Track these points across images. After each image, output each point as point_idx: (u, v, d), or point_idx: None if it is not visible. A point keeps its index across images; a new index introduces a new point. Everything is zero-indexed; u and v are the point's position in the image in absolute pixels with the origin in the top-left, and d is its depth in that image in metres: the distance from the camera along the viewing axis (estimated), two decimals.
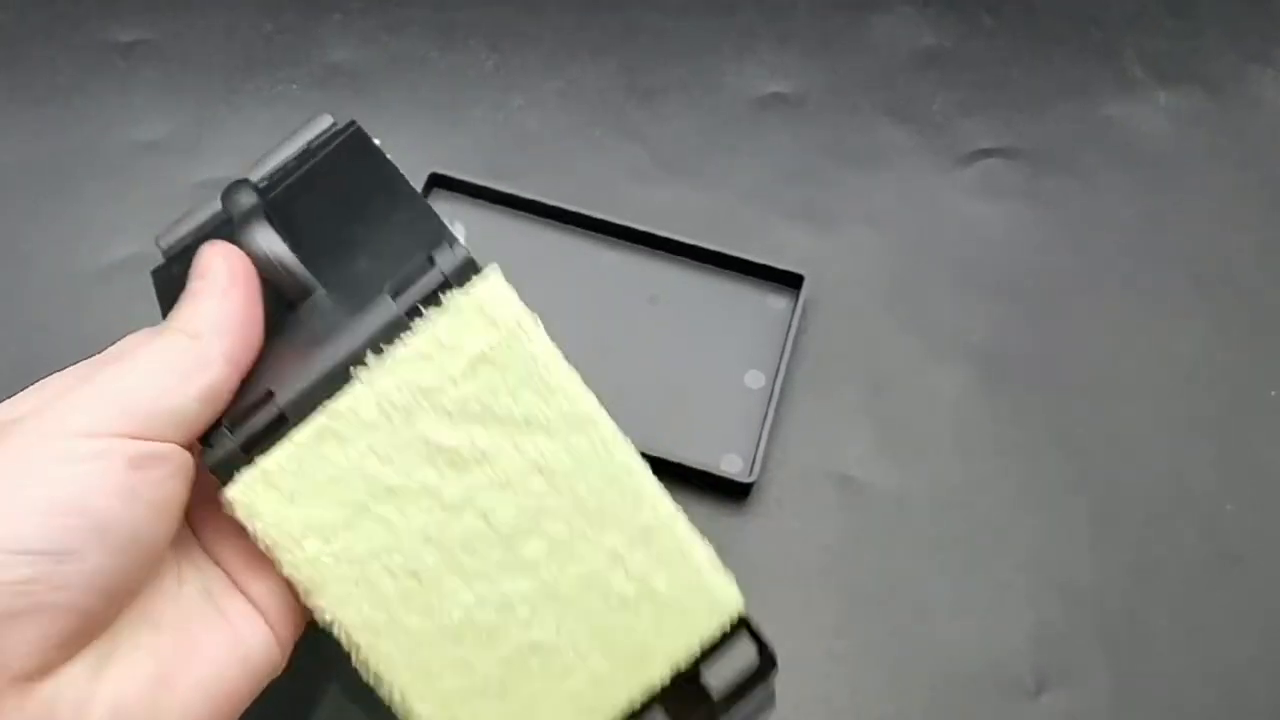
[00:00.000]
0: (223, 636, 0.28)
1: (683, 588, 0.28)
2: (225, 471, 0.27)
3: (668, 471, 0.39)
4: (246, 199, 0.29)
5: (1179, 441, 0.42)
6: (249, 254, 0.29)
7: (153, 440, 0.26)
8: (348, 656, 0.28)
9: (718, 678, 0.29)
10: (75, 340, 0.40)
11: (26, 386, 0.34)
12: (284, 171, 0.31)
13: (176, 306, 0.28)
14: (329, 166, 0.31)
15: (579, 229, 0.44)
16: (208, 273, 0.28)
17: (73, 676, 0.25)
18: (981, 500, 0.40)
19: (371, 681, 0.28)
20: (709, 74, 0.48)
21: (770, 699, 0.30)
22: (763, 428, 0.39)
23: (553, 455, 0.28)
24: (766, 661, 0.29)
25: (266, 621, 0.29)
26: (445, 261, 0.28)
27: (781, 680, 0.37)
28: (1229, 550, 0.40)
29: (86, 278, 0.43)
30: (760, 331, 0.42)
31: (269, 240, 0.28)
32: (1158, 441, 0.42)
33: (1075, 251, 0.45)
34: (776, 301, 0.43)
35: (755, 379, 0.41)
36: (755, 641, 0.29)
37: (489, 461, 0.28)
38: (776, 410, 0.40)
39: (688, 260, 0.43)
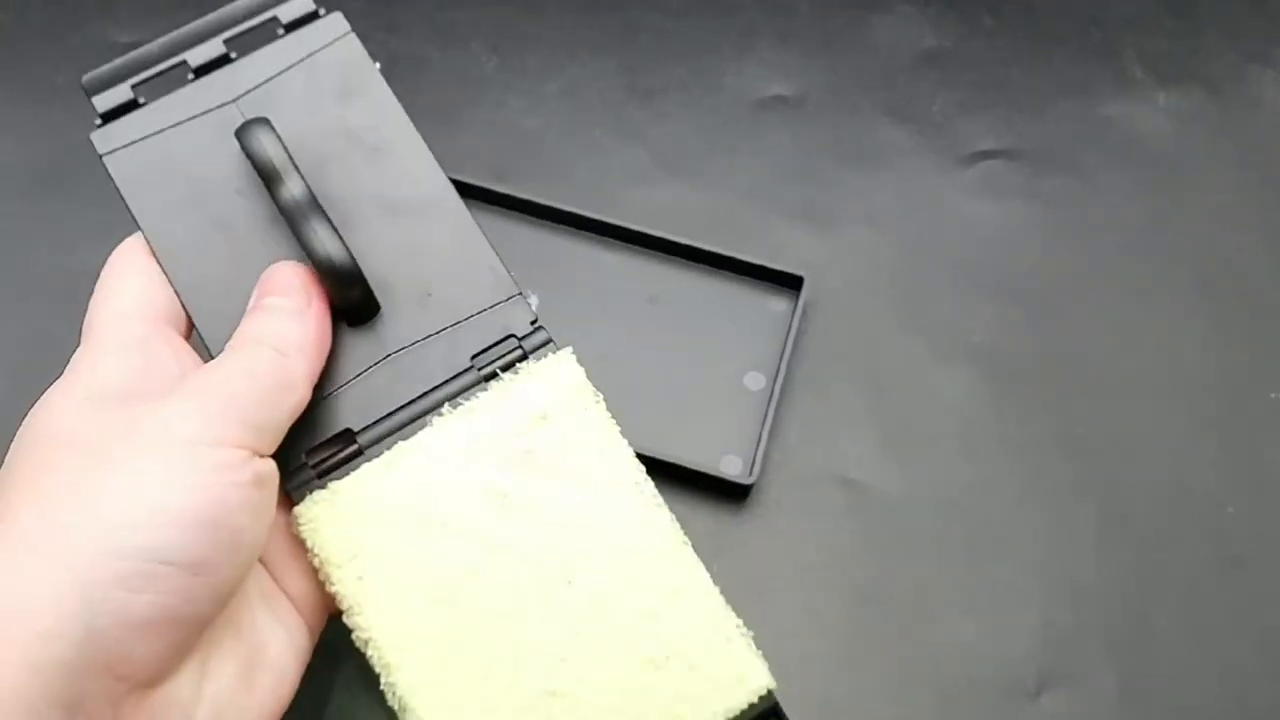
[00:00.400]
0: (280, 635, 0.29)
1: (711, 657, 0.29)
2: (299, 492, 0.30)
3: (668, 473, 0.39)
4: (297, 188, 0.30)
5: (1180, 442, 0.42)
6: (314, 260, 0.30)
7: (263, 454, 0.27)
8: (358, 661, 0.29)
9: None
10: (75, 340, 0.40)
11: (26, 386, 0.34)
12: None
13: (253, 318, 0.29)
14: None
15: (579, 230, 0.44)
16: (288, 290, 0.30)
17: (180, 682, 0.26)
18: (983, 502, 0.40)
19: (394, 706, 0.29)
20: (709, 74, 0.48)
21: None
22: (763, 429, 0.39)
23: (597, 512, 0.30)
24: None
25: (303, 617, 0.30)
26: (528, 341, 0.32)
27: (782, 681, 0.37)
28: (1231, 552, 0.40)
29: (86, 278, 0.43)
30: (760, 332, 0.42)
31: (335, 248, 0.30)
32: (1159, 442, 0.42)
33: (1076, 251, 0.45)
34: (777, 303, 0.43)
35: (755, 380, 0.41)
36: None
37: (537, 510, 0.30)
38: (776, 411, 0.40)
39: (688, 261, 0.43)
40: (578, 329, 0.42)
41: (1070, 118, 0.48)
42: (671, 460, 0.39)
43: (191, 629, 0.26)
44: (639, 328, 0.42)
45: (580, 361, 0.32)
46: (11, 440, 0.30)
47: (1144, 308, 0.44)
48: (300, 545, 0.30)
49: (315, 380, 0.30)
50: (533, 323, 0.32)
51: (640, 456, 0.38)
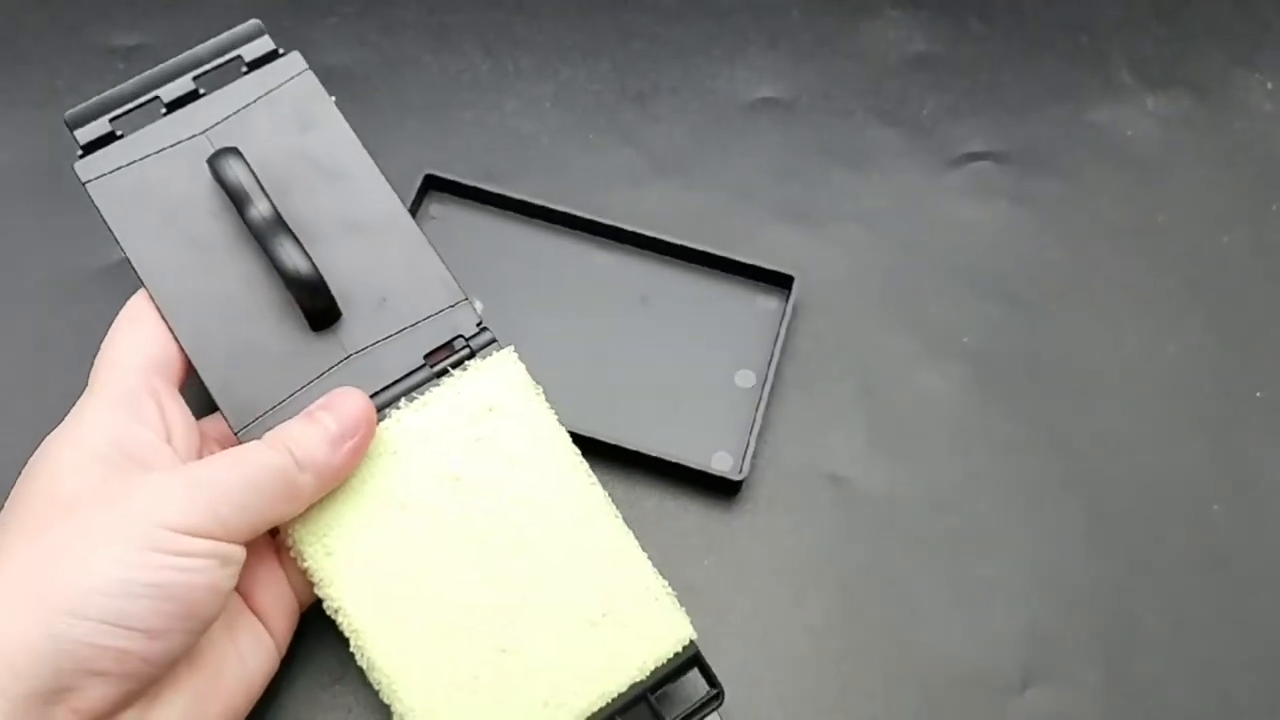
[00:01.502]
0: (237, 662, 0.32)
1: (642, 615, 0.33)
2: None
3: (659, 469, 0.40)
4: (265, 210, 0.34)
5: (1167, 441, 0.42)
6: (282, 272, 0.34)
7: (235, 545, 0.30)
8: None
9: (668, 702, 0.34)
10: (75, 341, 0.40)
11: (26, 386, 0.35)
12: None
13: (298, 423, 0.32)
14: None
15: (572, 230, 0.44)
16: (341, 417, 0.32)
17: (129, 715, 0.29)
18: (970, 499, 0.40)
19: (365, 667, 0.32)
20: (701, 77, 0.49)
21: None
22: (753, 426, 0.40)
23: (539, 491, 0.33)
24: (714, 694, 0.34)
25: (269, 630, 0.33)
26: (475, 341, 0.36)
27: (770, 677, 0.37)
28: (1217, 550, 0.40)
29: (86, 278, 0.43)
30: (751, 331, 0.42)
31: (301, 262, 0.34)
32: (1146, 441, 0.42)
33: (1064, 253, 0.46)
34: (767, 302, 0.43)
35: (745, 378, 0.42)
36: (705, 676, 0.34)
37: (486, 490, 0.33)
38: (766, 409, 0.41)
39: (679, 261, 0.44)
40: (570, 328, 0.42)
41: (1058, 121, 0.49)
42: (663, 457, 0.39)
43: (144, 680, 0.29)
44: (631, 327, 0.42)
45: (521, 359, 0.35)
46: (10, 441, 0.34)
47: (1131, 308, 0.45)
48: (275, 557, 0.34)
49: (315, 501, 0.32)
50: (479, 325, 0.36)
51: (632, 453, 0.39)
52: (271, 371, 0.34)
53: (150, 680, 0.29)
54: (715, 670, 0.34)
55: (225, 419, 0.34)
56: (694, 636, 0.33)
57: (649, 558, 0.34)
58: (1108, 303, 0.45)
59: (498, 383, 0.35)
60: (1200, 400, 0.43)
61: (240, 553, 0.30)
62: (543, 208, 0.44)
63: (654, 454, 0.39)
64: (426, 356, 0.35)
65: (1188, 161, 0.48)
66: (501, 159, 0.46)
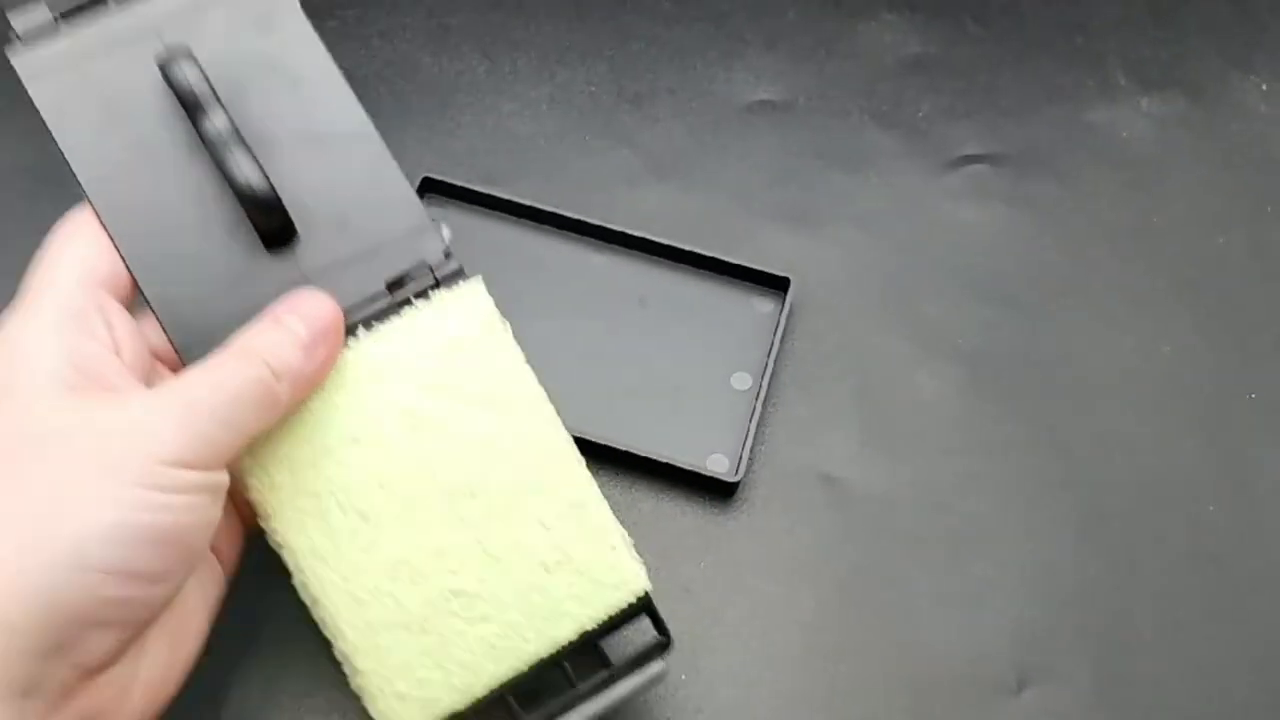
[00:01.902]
0: (200, 594, 0.31)
1: (598, 563, 0.32)
2: None
3: (655, 471, 0.40)
4: (219, 119, 0.31)
5: (1163, 442, 0.42)
6: (234, 187, 0.31)
7: (223, 471, 0.29)
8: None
9: (617, 648, 0.33)
10: None
11: None
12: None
13: (265, 330, 0.30)
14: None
15: (569, 232, 0.44)
16: (314, 322, 0.30)
17: (121, 665, 0.28)
18: (965, 500, 0.41)
19: (308, 603, 0.31)
20: (698, 79, 0.49)
21: (663, 675, 0.33)
22: (749, 428, 0.40)
23: (500, 431, 0.32)
24: (662, 641, 0.34)
25: (221, 561, 0.32)
26: (440, 269, 0.33)
27: (765, 677, 0.37)
28: (1212, 551, 0.40)
29: None
30: (747, 333, 0.43)
31: (255, 177, 0.31)
32: (1140, 442, 0.42)
33: (1060, 255, 0.46)
34: (763, 304, 0.43)
35: (742, 380, 0.42)
36: (655, 623, 0.33)
37: (444, 428, 0.31)
38: (763, 411, 0.41)
39: (676, 263, 0.44)
40: (567, 330, 0.42)
41: (1054, 123, 0.49)
42: (659, 458, 0.39)
43: (143, 627, 0.28)
44: (628, 328, 0.43)
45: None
46: None
47: (1126, 310, 0.45)
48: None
49: (292, 410, 0.31)
50: (446, 253, 0.33)
51: (629, 454, 0.39)
52: (221, 291, 0.32)
53: (147, 626, 0.28)
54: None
55: (170, 341, 0.31)
56: (649, 589, 0.33)
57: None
58: (1104, 304, 0.45)
59: (463, 316, 0.32)
60: (1196, 401, 0.43)
61: (226, 480, 0.29)
62: (540, 210, 0.44)
63: (650, 455, 0.39)
64: (389, 284, 0.33)
65: (1184, 163, 0.48)
66: (499, 161, 0.46)
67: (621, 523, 0.34)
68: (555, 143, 0.47)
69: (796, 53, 0.50)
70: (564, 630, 0.32)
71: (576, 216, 0.44)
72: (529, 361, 0.34)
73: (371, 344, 0.32)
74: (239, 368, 0.29)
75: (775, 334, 0.42)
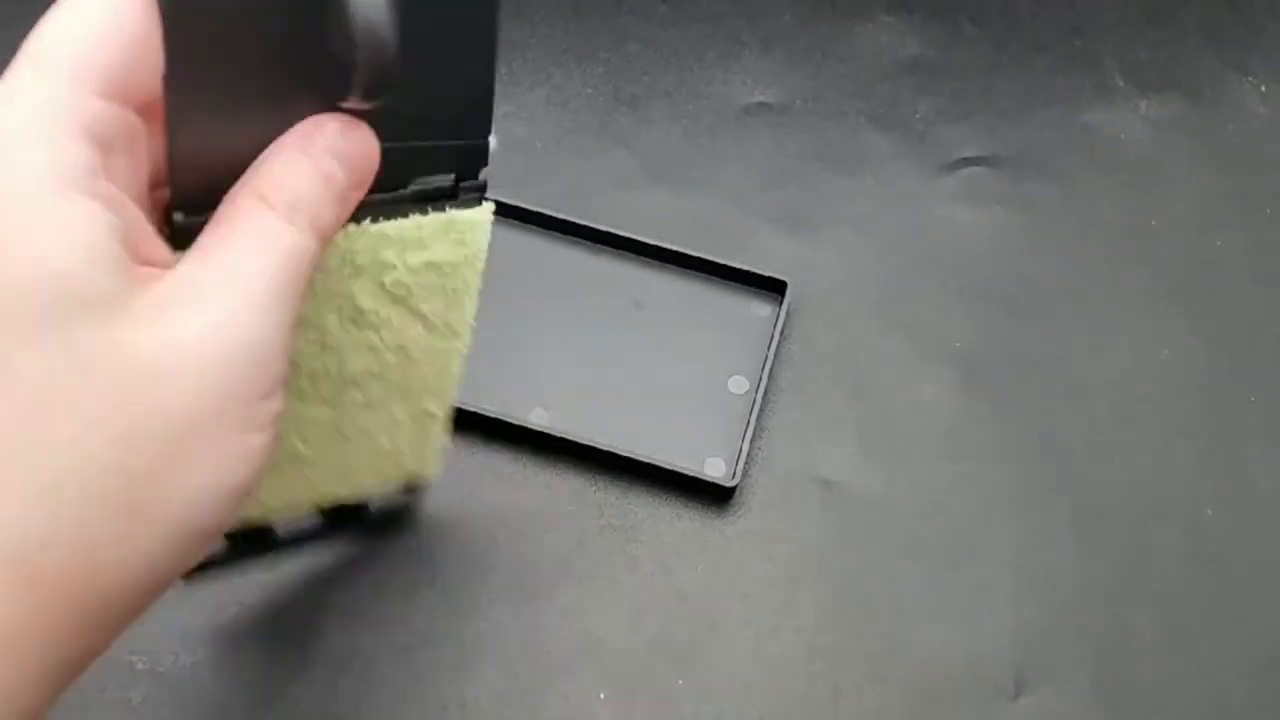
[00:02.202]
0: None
1: (411, 454, 0.35)
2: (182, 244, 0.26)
3: (651, 475, 0.40)
4: None
5: (1160, 445, 0.42)
6: (353, 19, 0.24)
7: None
8: None
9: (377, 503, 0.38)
10: None
11: None
12: None
13: (303, 170, 0.24)
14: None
15: (565, 235, 0.44)
16: (358, 175, 0.26)
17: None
18: (963, 503, 0.40)
19: None
20: (694, 82, 0.49)
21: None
22: (746, 432, 0.40)
23: (419, 346, 0.33)
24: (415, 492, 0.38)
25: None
26: (463, 185, 0.31)
27: (763, 680, 0.37)
28: (1209, 553, 0.40)
29: None
30: (744, 337, 0.42)
31: (383, 20, 0.24)
32: (1139, 445, 0.42)
33: (1057, 257, 0.46)
34: (760, 307, 0.43)
35: (739, 384, 0.42)
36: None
37: (375, 332, 0.32)
38: (759, 415, 0.41)
39: (673, 266, 0.44)
40: (564, 333, 0.42)
41: (1051, 125, 0.49)
42: (656, 463, 0.39)
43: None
44: (624, 332, 0.42)
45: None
46: None
47: (1124, 312, 0.45)
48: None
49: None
50: (479, 170, 0.30)
51: (625, 459, 0.39)
52: (254, 131, 0.25)
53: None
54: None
55: (172, 184, 0.25)
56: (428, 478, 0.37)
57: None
58: (1102, 306, 0.45)
59: (453, 244, 0.31)
60: (1193, 404, 0.43)
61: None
62: (536, 213, 0.44)
63: (647, 460, 0.39)
64: (413, 184, 0.29)
65: (1182, 165, 0.48)
66: (495, 163, 0.46)
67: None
68: (551, 145, 0.47)
69: (793, 55, 0.50)
70: (349, 487, 0.36)
71: (572, 219, 0.44)
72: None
73: (361, 237, 0.29)
74: (288, 237, 0.24)
75: (772, 337, 0.42)
